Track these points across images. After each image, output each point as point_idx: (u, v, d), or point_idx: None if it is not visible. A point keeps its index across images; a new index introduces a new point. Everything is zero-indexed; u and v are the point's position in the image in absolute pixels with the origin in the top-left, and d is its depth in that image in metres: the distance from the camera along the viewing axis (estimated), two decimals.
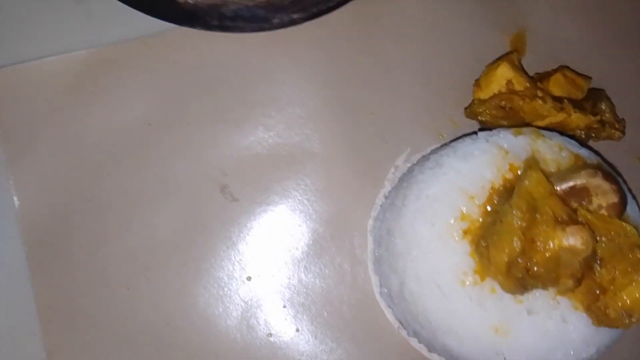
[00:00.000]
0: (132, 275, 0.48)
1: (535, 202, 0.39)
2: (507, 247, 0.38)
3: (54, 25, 0.50)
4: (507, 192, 0.41)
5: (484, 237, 0.40)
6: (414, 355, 0.48)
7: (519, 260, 0.38)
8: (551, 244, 0.37)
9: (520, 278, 0.38)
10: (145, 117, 0.50)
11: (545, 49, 0.53)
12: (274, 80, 0.51)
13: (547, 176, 0.40)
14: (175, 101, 0.50)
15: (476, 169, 0.42)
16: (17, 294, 0.47)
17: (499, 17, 0.53)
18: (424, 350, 0.48)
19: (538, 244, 0.38)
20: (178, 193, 0.49)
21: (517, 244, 0.38)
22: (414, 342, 0.48)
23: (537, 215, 0.38)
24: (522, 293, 0.39)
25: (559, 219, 0.37)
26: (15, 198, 0.48)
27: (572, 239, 0.36)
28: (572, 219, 0.37)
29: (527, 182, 0.39)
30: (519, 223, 0.38)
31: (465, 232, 0.41)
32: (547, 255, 0.37)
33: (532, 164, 0.41)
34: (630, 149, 0.52)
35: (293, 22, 0.48)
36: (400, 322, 0.48)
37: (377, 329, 0.48)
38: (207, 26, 0.47)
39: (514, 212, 0.38)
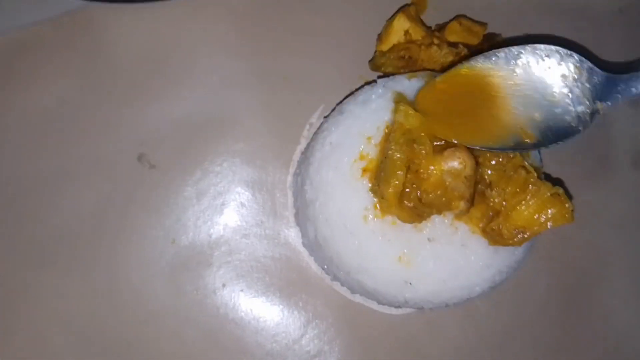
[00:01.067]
0: (59, 252, 0.49)
1: (411, 134, 0.41)
2: (392, 180, 0.40)
3: None
4: None
5: (376, 176, 0.42)
6: (340, 299, 0.50)
7: (408, 191, 0.40)
8: (433, 170, 0.39)
9: (413, 207, 0.40)
10: (61, 98, 0.51)
11: (445, 3, 0.55)
12: (187, 51, 0.53)
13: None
14: (90, 77, 0.52)
15: (373, 112, 0.45)
16: None
17: None
18: (347, 293, 0.50)
19: (422, 172, 0.40)
20: (97, 167, 0.51)
21: (399, 175, 0.40)
22: (337, 286, 0.50)
23: (415, 146, 0.40)
24: (419, 221, 0.41)
25: (437, 147, 0.40)
26: None
27: (450, 161, 0.39)
28: (448, 144, 0.40)
29: (397, 116, 0.42)
30: (398, 155, 0.40)
31: (364, 171, 0.43)
32: (432, 180, 0.39)
33: (399, 99, 0.44)
34: None
35: None
36: (323, 269, 0.50)
37: (303, 278, 0.50)
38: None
39: (392, 146, 0.41)
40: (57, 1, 0.50)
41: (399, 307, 0.49)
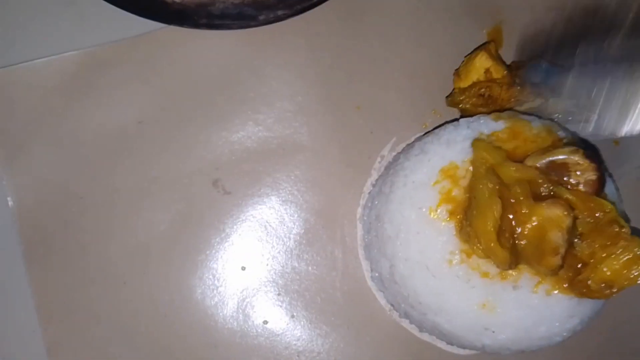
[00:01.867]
0: (129, 270, 0.49)
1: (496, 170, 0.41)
2: (488, 214, 0.40)
3: (45, 27, 0.51)
4: None
5: (465, 217, 0.42)
6: (406, 336, 0.50)
7: (504, 230, 0.40)
8: (531, 216, 0.39)
9: (510, 247, 0.40)
10: (137, 116, 0.51)
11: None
12: (262, 76, 0.53)
13: (526, 151, 0.43)
14: (166, 99, 0.52)
15: (459, 153, 0.44)
16: (15, 292, 0.48)
17: (478, 11, 0.55)
18: (415, 331, 0.49)
19: (518, 218, 0.40)
20: (171, 189, 0.51)
21: (496, 208, 0.39)
22: (405, 323, 0.49)
23: (512, 189, 0.40)
24: (514, 266, 0.41)
25: (535, 193, 0.39)
26: (9, 198, 0.49)
27: (554, 209, 0.38)
28: (550, 193, 0.39)
29: (479, 151, 0.42)
30: (489, 189, 0.40)
31: (450, 213, 0.42)
32: (530, 227, 0.39)
33: (478, 138, 0.44)
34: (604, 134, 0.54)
35: (278, 19, 0.49)
36: (392, 305, 0.49)
37: (369, 313, 0.50)
38: (196, 25, 0.48)
39: (481, 182, 0.40)
40: (138, 21, 0.49)
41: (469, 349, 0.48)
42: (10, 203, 0.49)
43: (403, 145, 0.52)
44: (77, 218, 0.49)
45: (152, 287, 0.49)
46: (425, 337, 0.49)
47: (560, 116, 0.51)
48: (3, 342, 0.48)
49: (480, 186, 0.41)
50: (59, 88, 0.51)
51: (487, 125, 0.45)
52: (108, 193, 0.50)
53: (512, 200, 0.40)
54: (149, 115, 0.51)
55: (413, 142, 0.51)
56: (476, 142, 0.42)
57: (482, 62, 0.50)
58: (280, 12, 0.49)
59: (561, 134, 0.45)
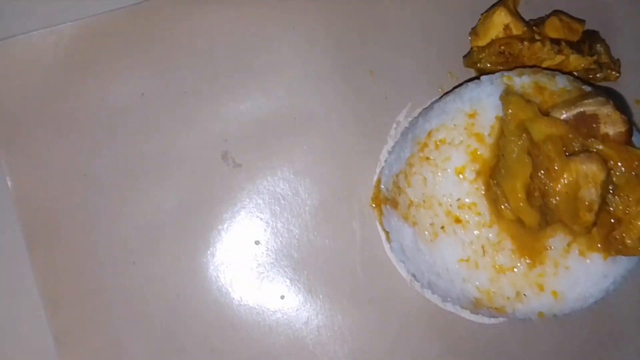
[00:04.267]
0: (138, 250, 0.47)
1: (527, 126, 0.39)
2: (518, 173, 0.38)
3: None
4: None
5: (494, 175, 0.40)
6: (429, 307, 0.48)
7: (534, 189, 0.38)
8: (563, 173, 0.36)
9: (540, 206, 0.38)
10: (139, 89, 0.49)
11: None
12: (271, 45, 0.50)
13: (554, 105, 0.40)
14: (170, 70, 0.49)
15: (483, 110, 0.42)
16: (18, 279, 0.46)
17: None
18: (438, 301, 0.47)
19: (550, 175, 0.38)
20: (179, 163, 0.48)
21: (526, 166, 0.38)
22: (428, 294, 0.47)
23: (543, 146, 0.38)
24: (544, 226, 0.39)
25: (566, 149, 0.37)
26: (8, 178, 0.46)
27: (588, 164, 0.36)
28: (584, 146, 0.37)
29: (511, 107, 0.39)
30: (518, 147, 0.38)
31: (477, 173, 0.40)
32: (562, 184, 0.37)
33: (508, 91, 0.41)
34: (626, 91, 0.52)
35: None
36: (414, 276, 0.47)
37: (390, 285, 0.48)
38: None
39: (511, 139, 0.38)
40: None
41: (494, 317, 0.46)
42: (9, 183, 0.46)
43: (419, 110, 0.50)
44: (80, 198, 0.47)
45: (163, 267, 0.47)
46: (449, 307, 0.47)
47: (581, 73, 0.49)
48: (8, 331, 0.45)
49: (510, 144, 0.39)
50: (56, 61, 0.48)
51: (510, 81, 0.43)
52: (112, 170, 0.47)
53: (542, 158, 0.38)
54: (152, 87, 0.49)
55: (430, 104, 0.49)
56: (507, 97, 0.40)
57: (501, 18, 0.48)
58: None
59: (586, 88, 0.43)
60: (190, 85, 0.49)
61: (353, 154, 0.50)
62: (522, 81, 0.43)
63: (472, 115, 0.42)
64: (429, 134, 0.43)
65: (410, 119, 0.50)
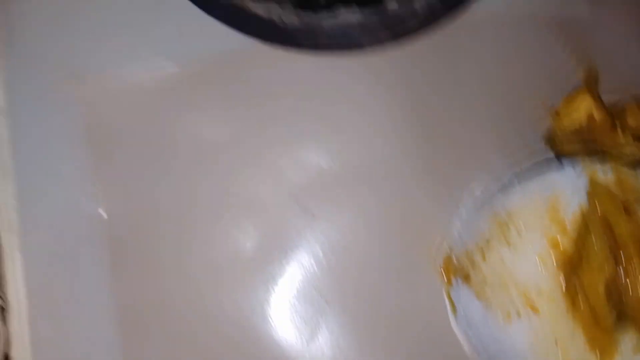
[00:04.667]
0: (214, 289, 0.48)
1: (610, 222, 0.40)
2: (600, 270, 0.39)
3: (143, 37, 0.50)
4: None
5: (572, 267, 0.41)
6: None
7: (613, 291, 0.39)
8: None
9: (616, 303, 0.39)
10: (223, 131, 0.50)
11: (615, 79, 0.54)
12: (350, 99, 0.52)
13: (635, 202, 0.41)
14: (254, 117, 0.51)
15: (565, 197, 0.43)
16: (98, 304, 0.47)
17: (574, 46, 0.54)
18: None
19: (631, 273, 0.39)
20: (253, 208, 0.50)
21: (608, 268, 0.39)
22: None
23: (626, 247, 0.39)
24: (618, 323, 0.40)
25: None
26: (100, 210, 0.48)
27: None
28: None
29: (595, 202, 0.40)
30: (604, 241, 0.39)
31: (558, 262, 0.41)
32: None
33: (594, 183, 0.42)
34: None
35: (380, 42, 0.48)
36: (477, 352, 0.48)
37: (451, 358, 0.49)
38: (299, 45, 0.47)
39: (595, 234, 0.39)
40: (236, 36, 0.49)
41: None
42: (102, 212, 0.48)
43: (495, 182, 0.51)
44: (163, 232, 0.48)
45: (236, 309, 0.48)
46: None
47: None
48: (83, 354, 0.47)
49: (594, 238, 0.40)
50: (152, 97, 0.50)
51: (594, 171, 0.44)
52: (195, 209, 0.49)
53: (624, 256, 0.39)
54: (236, 131, 0.50)
55: (509, 180, 0.50)
56: (593, 189, 0.41)
57: (586, 105, 0.49)
58: (382, 36, 0.48)
59: None
60: (271, 133, 0.51)
61: (423, 217, 0.51)
62: (605, 172, 0.44)
63: (554, 202, 0.43)
64: (509, 214, 0.45)
65: (484, 190, 0.51)
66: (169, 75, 0.50)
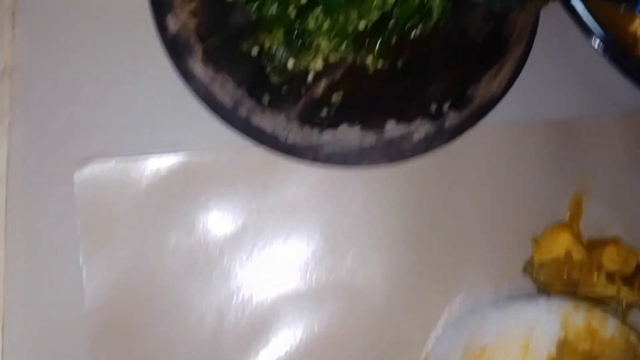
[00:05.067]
0: None
1: None
2: None
3: (148, 125, 0.52)
4: None
5: None
6: None
7: None
8: None
9: None
10: (222, 228, 0.52)
11: (601, 213, 0.56)
12: (346, 212, 0.54)
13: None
14: (252, 220, 0.52)
15: (538, 336, 0.45)
16: None
17: (563, 179, 0.56)
18: None
19: None
20: (254, 312, 0.51)
21: None
22: None
23: None
24: None
25: None
26: (86, 296, 0.49)
27: None
28: None
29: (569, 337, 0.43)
30: None
31: None
32: None
33: (565, 324, 0.45)
34: None
35: (376, 163, 0.50)
36: None
37: None
38: (299, 157, 0.49)
39: None
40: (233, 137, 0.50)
41: None
42: (87, 296, 0.49)
43: (474, 302, 0.53)
44: (144, 326, 0.50)
45: None
46: None
47: (630, 308, 0.52)
48: None
49: None
50: (151, 188, 0.51)
51: (567, 315, 0.47)
52: (180, 305, 0.50)
53: None
54: (233, 229, 0.52)
55: (486, 304, 0.52)
56: (564, 340, 0.43)
57: (565, 242, 0.52)
58: (381, 160, 0.50)
59: (633, 338, 0.46)
60: (268, 237, 0.53)
61: (401, 330, 0.53)
62: (577, 317, 0.46)
63: (526, 340, 0.46)
64: (483, 349, 0.47)
65: (463, 308, 0.53)
66: (168, 165, 0.51)
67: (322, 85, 0.53)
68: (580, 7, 0.48)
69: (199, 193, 0.52)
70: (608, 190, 0.57)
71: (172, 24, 0.49)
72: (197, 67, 0.49)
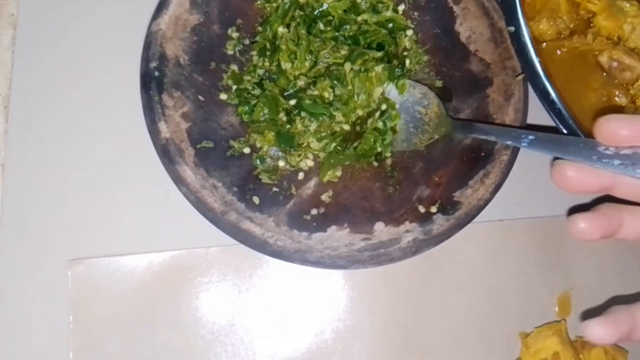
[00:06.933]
0: None
1: None
2: None
3: (137, 226, 0.53)
4: None
5: None
6: None
7: None
8: None
9: None
10: (212, 325, 0.52)
11: (589, 310, 0.57)
12: (334, 308, 0.54)
13: None
14: (239, 317, 0.53)
15: None
16: None
17: (550, 277, 0.57)
18: None
19: None
20: None
21: None
22: None
23: None
24: None
25: None
26: None
27: None
28: None
29: None
30: None
31: None
32: None
33: None
34: None
35: (363, 266, 0.51)
36: None
37: None
38: (287, 260, 0.49)
39: None
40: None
41: None
42: None
43: None
44: None
45: None
46: None
47: None
48: None
49: None
50: (141, 285, 0.52)
51: None
52: None
53: None
54: (220, 325, 0.52)
55: None
56: None
57: (553, 345, 0.52)
58: (369, 265, 0.50)
59: None
60: (255, 331, 0.53)
61: None
62: None
63: None
64: None
65: None
66: (159, 263, 0.52)
67: (312, 184, 0.53)
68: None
69: (188, 289, 0.53)
70: (595, 287, 0.57)
71: (164, 129, 0.50)
72: (188, 173, 0.49)
